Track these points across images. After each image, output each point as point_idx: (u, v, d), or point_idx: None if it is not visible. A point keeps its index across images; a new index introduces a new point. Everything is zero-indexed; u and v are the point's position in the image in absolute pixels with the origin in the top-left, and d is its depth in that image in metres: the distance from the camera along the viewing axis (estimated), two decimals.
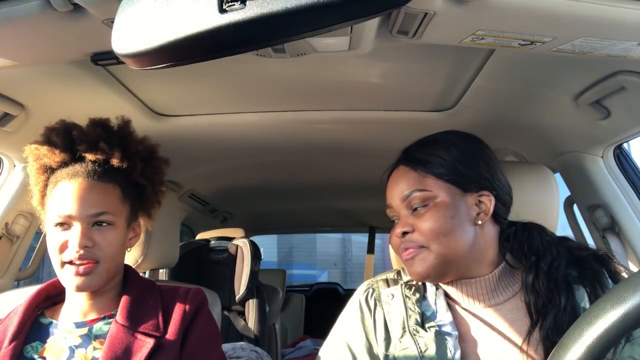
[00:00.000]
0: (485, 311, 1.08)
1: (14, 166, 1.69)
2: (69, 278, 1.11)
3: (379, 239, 4.73)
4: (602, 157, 1.63)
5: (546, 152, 1.76)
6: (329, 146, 2.10)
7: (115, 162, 1.18)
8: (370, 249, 4.51)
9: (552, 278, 1.01)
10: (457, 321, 1.08)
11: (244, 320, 2.71)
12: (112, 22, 0.73)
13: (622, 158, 1.67)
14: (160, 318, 1.16)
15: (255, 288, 2.74)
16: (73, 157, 1.19)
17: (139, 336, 1.11)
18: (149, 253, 1.79)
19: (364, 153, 2.16)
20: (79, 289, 1.12)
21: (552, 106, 1.52)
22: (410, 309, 1.11)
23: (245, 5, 0.64)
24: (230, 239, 2.85)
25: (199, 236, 3.29)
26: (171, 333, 1.14)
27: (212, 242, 2.82)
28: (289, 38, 0.71)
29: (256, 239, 3.60)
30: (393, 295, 1.16)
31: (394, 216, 1.12)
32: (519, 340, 1.01)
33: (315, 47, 1.12)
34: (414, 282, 1.17)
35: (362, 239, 6.08)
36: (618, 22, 0.88)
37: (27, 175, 1.67)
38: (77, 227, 1.10)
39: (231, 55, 0.72)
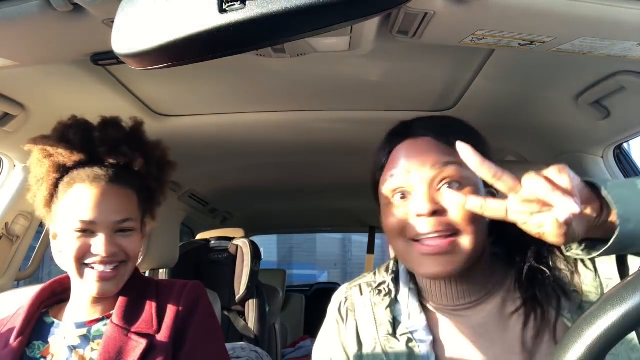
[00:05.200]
0: (463, 309, 0.98)
1: (14, 166, 1.69)
2: (90, 283, 1.11)
3: (379, 239, 4.72)
4: (602, 157, 1.63)
5: (546, 152, 1.76)
6: (329, 146, 2.10)
7: (137, 166, 1.18)
8: (370, 249, 4.50)
9: (536, 275, 0.94)
10: (431, 323, 0.99)
11: (244, 320, 2.72)
12: (112, 22, 0.73)
13: (622, 158, 1.67)
14: (154, 315, 1.15)
15: (255, 288, 2.74)
16: (91, 158, 1.17)
17: (133, 337, 1.11)
18: (148, 253, 1.80)
19: (364, 153, 2.15)
20: (100, 294, 1.12)
21: (552, 106, 1.52)
22: (380, 318, 1.01)
23: (245, 5, 0.64)
24: (230, 239, 2.85)
25: (199, 236, 3.30)
26: (164, 330, 1.13)
27: (212, 242, 2.82)
28: (289, 38, 0.71)
29: (256, 239, 3.61)
30: (365, 304, 1.06)
31: (398, 190, 0.94)
32: (499, 341, 0.93)
33: (315, 47, 1.12)
34: (385, 285, 1.06)
35: (362, 239, 6.08)
36: (618, 22, 0.88)
37: (28, 174, 1.68)
38: (101, 235, 1.10)
39: (231, 55, 0.72)
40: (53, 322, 1.18)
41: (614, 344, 0.54)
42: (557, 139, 1.67)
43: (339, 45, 1.10)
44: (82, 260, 1.10)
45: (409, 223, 0.91)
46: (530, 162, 1.84)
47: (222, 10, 0.65)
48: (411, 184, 0.91)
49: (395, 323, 1.00)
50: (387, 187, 0.96)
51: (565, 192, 0.66)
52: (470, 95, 1.55)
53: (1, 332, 1.15)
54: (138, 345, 1.09)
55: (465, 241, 0.88)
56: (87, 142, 1.17)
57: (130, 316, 1.14)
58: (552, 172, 0.69)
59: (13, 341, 1.10)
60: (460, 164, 0.85)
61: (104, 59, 1.07)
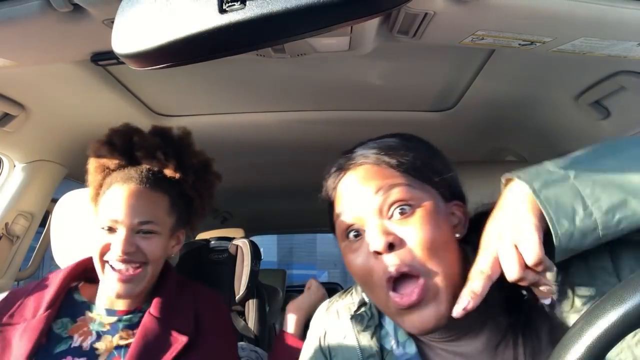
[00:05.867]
0: (450, 340, 0.87)
1: (14, 166, 1.69)
2: (111, 283, 1.13)
3: None
4: None
5: (546, 152, 1.76)
6: (329, 146, 2.09)
7: (168, 172, 1.20)
8: None
9: (517, 299, 0.84)
10: (422, 352, 0.89)
11: (244, 320, 2.71)
12: (112, 22, 0.73)
13: None
14: (192, 318, 1.19)
15: (255, 288, 2.74)
16: (130, 161, 1.21)
17: (173, 332, 1.13)
18: None
19: None
20: (119, 296, 1.14)
21: (552, 106, 1.52)
22: (367, 349, 0.89)
23: (245, 5, 0.64)
24: (230, 239, 2.85)
25: (199, 236, 3.29)
26: (207, 335, 1.17)
27: (212, 242, 2.81)
28: (289, 38, 0.71)
29: (256, 239, 3.60)
30: (346, 334, 0.94)
31: (351, 229, 0.85)
32: None
33: (315, 47, 1.12)
34: (366, 308, 0.95)
35: None
36: (618, 22, 0.88)
37: (27, 175, 1.68)
38: (121, 233, 1.12)
39: (231, 55, 0.72)
40: (84, 303, 1.20)
41: (614, 344, 0.54)
42: (557, 139, 1.67)
43: (339, 45, 1.09)
44: (103, 257, 1.13)
45: (372, 264, 0.80)
46: (531, 162, 1.85)
47: (222, 11, 0.65)
48: (361, 219, 0.82)
49: (383, 352, 0.89)
50: (339, 229, 0.87)
51: (538, 272, 0.70)
52: (470, 95, 1.55)
53: (28, 300, 1.17)
54: (178, 340, 1.13)
55: (438, 275, 0.78)
56: (127, 146, 1.21)
57: (169, 313, 1.17)
58: (519, 238, 0.71)
59: (43, 312, 1.13)
60: (406, 184, 0.81)
61: (104, 59, 1.07)
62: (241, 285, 2.65)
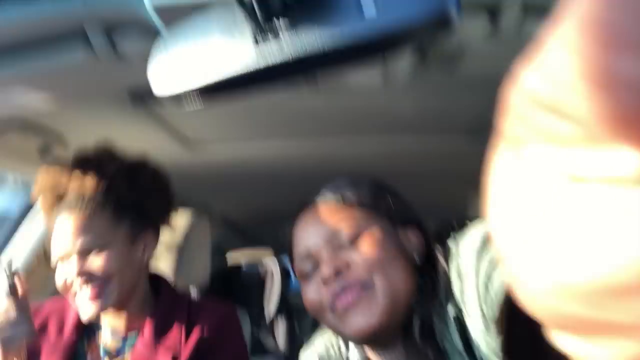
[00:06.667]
0: None
1: None
2: (82, 305, 1.13)
3: None
4: None
5: None
6: (360, 173, 2.09)
7: (87, 191, 1.16)
8: None
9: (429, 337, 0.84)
10: None
11: (274, 339, 2.70)
12: (149, 63, 0.74)
13: None
14: (183, 334, 1.16)
15: (285, 308, 2.73)
16: (59, 196, 1.20)
17: (161, 352, 1.12)
18: (179, 271, 1.81)
19: (404, 179, 2.14)
20: (87, 315, 1.13)
21: None
22: None
23: (279, 41, 0.64)
24: (260, 259, 2.85)
25: (231, 259, 3.31)
26: (187, 350, 1.14)
27: (243, 262, 2.83)
28: (322, 73, 0.71)
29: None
30: None
31: (308, 266, 0.91)
32: None
33: (347, 80, 1.11)
34: (334, 350, 0.99)
35: None
36: None
37: None
38: (72, 260, 1.12)
39: (266, 90, 0.72)
40: (95, 323, 1.22)
41: None
42: None
43: (371, 78, 1.09)
44: (68, 288, 1.14)
45: (322, 291, 0.86)
46: None
47: (256, 47, 0.65)
48: (316, 255, 0.89)
49: None
50: (299, 269, 0.92)
51: None
52: None
53: (50, 317, 1.19)
54: None
55: (380, 288, 0.81)
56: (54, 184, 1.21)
57: (160, 332, 1.17)
58: None
59: (70, 332, 1.17)
60: (353, 215, 0.88)
61: (141, 96, 1.08)
62: (271, 305, 2.64)
